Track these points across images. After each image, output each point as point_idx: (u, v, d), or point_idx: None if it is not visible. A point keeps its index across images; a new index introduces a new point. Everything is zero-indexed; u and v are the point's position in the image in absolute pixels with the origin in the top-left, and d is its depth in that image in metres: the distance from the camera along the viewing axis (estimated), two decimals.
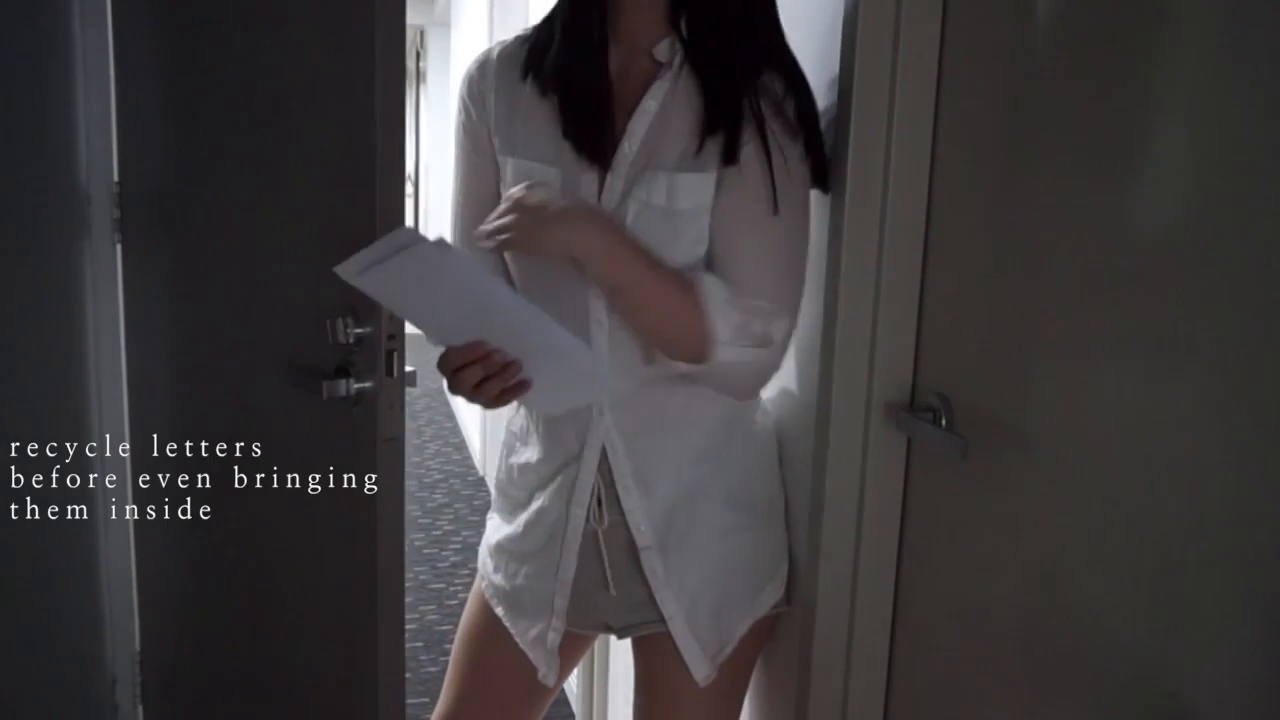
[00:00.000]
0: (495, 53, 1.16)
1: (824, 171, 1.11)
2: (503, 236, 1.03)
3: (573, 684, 2.40)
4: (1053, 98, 0.92)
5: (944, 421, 1.06)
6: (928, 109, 1.09)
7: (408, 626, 1.95)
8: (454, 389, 1.05)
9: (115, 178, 1.86)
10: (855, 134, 1.09)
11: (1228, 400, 0.73)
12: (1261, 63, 0.70)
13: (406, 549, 1.34)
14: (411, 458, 4.73)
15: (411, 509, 4.00)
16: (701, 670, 1.18)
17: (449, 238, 1.25)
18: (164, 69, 1.73)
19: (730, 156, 1.04)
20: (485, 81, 1.15)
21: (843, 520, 1.17)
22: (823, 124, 1.10)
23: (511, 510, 1.25)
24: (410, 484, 4.34)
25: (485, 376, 1.02)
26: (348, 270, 0.93)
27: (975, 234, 1.04)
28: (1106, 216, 0.84)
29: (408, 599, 1.99)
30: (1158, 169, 0.80)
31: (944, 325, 1.10)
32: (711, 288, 1.05)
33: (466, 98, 1.16)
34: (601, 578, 1.19)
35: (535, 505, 1.20)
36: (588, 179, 1.09)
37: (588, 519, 1.16)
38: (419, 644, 2.95)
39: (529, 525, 1.21)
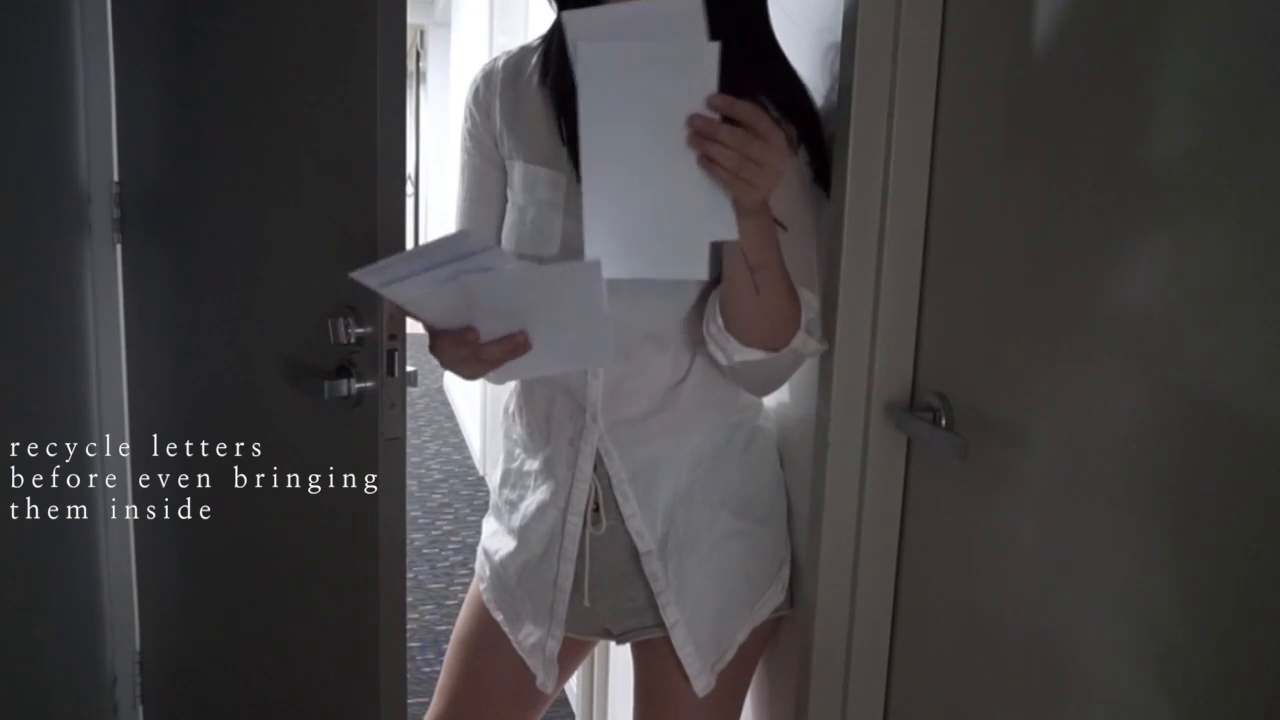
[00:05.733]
0: (500, 61, 1.18)
1: (827, 177, 1.12)
2: (730, 155, 0.89)
3: (573, 684, 2.40)
4: (1053, 97, 0.92)
5: (944, 421, 1.06)
6: (928, 109, 1.09)
7: (408, 626, 1.95)
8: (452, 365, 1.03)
9: (115, 178, 1.86)
10: (855, 134, 1.09)
11: (1228, 400, 0.73)
12: (1263, 58, 0.70)
13: (406, 549, 1.34)
14: (411, 458, 4.73)
15: (411, 509, 4.00)
16: (702, 680, 1.18)
17: None
18: (164, 69, 1.73)
19: None
20: (490, 90, 1.16)
21: (843, 521, 1.17)
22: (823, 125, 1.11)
23: (508, 516, 1.25)
24: (410, 484, 4.34)
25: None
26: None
27: (975, 234, 1.04)
28: (1106, 216, 0.84)
29: (408, 599, 1.99)
30: (1159, 169, 0.80)
31: (944, 325, 1.10)
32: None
33: (472, 105, 1.18)
34: (601, 583, 1.19)
35: (532, 511, 1.21)
36: None
37: (585, 525, 1.16)
38: (419, 644, 2.95)
39: (526, 532, 1.21)
